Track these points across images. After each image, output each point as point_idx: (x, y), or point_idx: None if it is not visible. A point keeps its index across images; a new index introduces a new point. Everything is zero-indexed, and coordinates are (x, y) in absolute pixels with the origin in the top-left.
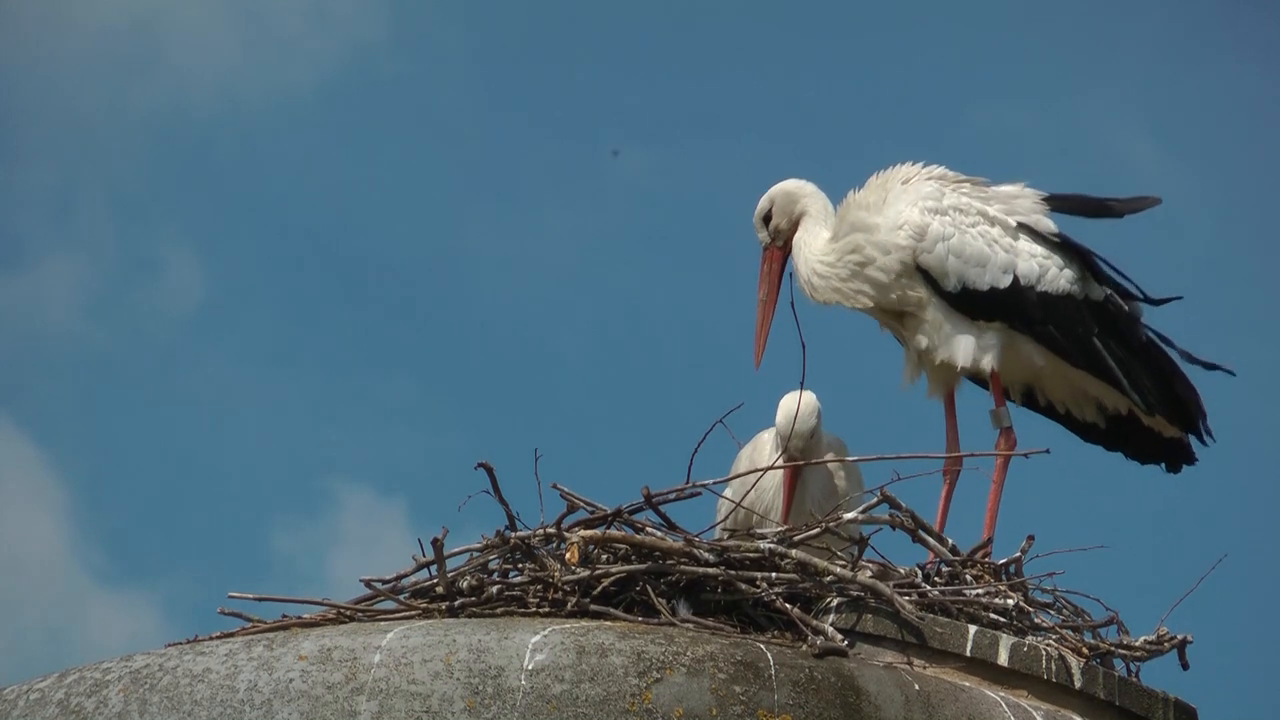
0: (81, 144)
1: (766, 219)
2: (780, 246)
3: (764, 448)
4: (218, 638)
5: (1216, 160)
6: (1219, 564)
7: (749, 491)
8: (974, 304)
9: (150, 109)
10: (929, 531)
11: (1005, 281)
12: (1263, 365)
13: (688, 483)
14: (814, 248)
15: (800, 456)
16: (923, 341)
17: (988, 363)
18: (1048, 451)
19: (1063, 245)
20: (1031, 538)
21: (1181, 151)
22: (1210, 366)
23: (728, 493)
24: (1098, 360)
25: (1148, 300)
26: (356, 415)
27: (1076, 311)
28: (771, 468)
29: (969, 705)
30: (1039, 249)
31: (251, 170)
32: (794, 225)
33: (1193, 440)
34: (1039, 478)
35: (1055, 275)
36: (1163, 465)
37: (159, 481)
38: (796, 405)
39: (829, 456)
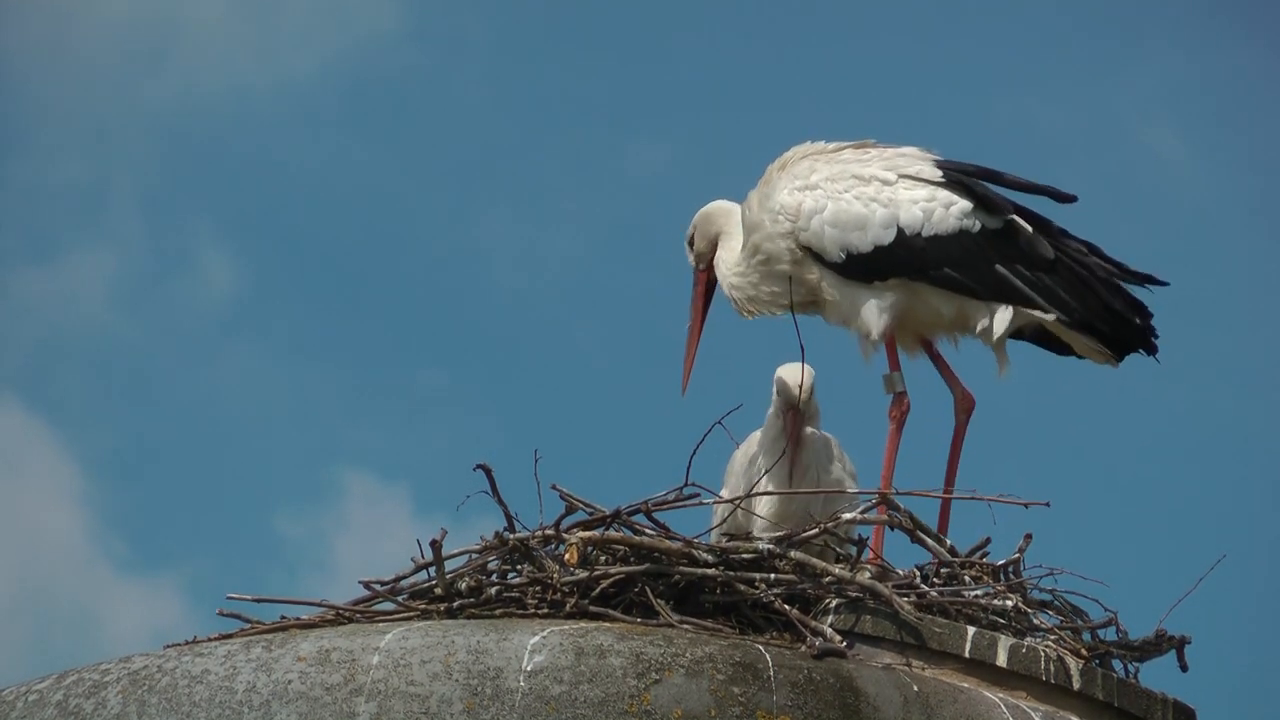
0: (106, 138)
1: (691, 243)
2: (704, 270)
3: (756, 445)
4: (216, 639)
5: (1242, 153)
6: (1218, 564)
7: (745, 495)
8: (863, 268)
9: (168, 103)
10: (927, 532)
11: (889, 237)
12: (1270, 362)
13: (686, 482)
14: (728, 263)
15: (798, 411)
16: (835, 320)
17: (883, 326)
18: (1048, 505)
19: (949, 183)
20: (1029, 536)
21: (1207, 144)
22: (1142, 279)
23: (725, 493)
24: (1006, 287)
25: (1061, 197)
26: (364, 407)
27: (973, 245)
28: (768, 481)
29: (968, 706)
30: (921, 193)
31: (270, 163)
32: (713, 247)
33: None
34: (1037, 477)
35: (943, 215)
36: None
37: (181, 471)
38: (796, 373)
39: (824, 460)
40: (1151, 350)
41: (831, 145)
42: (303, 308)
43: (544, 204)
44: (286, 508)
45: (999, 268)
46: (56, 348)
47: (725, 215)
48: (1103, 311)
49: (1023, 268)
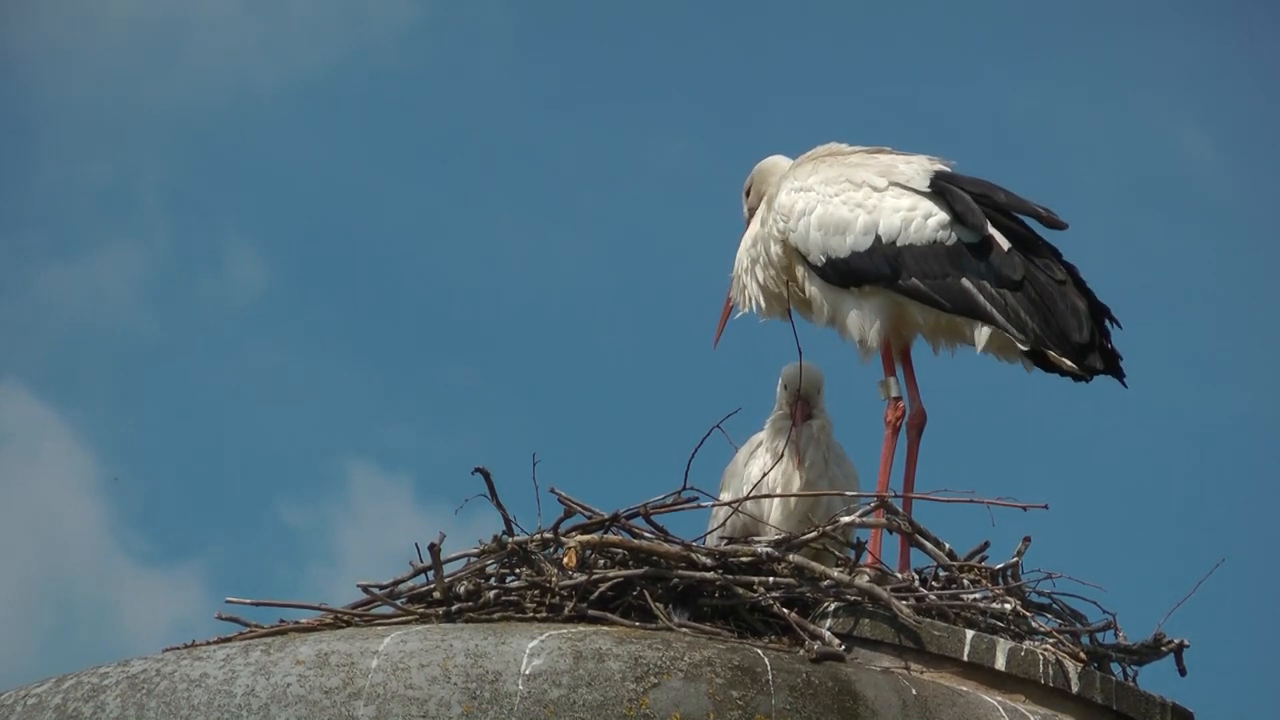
0: (130, 136)
1: (748, 193)
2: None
3: (756, 446)
4: (215, 642)
5: (1271, 149)
6: (1217, 568)
7: (745, 498)
8: (841, 273)
9: (191, 101)
10: (926, 536)
11: (866, 243)
12: (1271, 363)
13: (685, 485)
14: (743, 245)
15: (805, 399)
16: (818, 322)
17: (872, 335)
18: (1046, 507)
19: (934, 194)
20: (1028, 539)
21: (1234, 143)
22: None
23: (724, 496)
24: (969, 302)
25: (1051, 222)
26: (382, 402)
27: (945, 257)
28: (772, 478)
29: (966, 710)
30: (905, 201)
31: (291, 161)
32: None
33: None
34: (1036, 480)
35: (920, 225)
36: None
37: (201, 466)
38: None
39: (822, 462)
40: (1119, 376)
41: (848, 148)
42: (325, 304)
43: (561, 201)
44: (301, 501)
45: (965, 282)
46: (82, 343)
47: (777, 176)
48: (1060, 339)
49: (989, 284)
